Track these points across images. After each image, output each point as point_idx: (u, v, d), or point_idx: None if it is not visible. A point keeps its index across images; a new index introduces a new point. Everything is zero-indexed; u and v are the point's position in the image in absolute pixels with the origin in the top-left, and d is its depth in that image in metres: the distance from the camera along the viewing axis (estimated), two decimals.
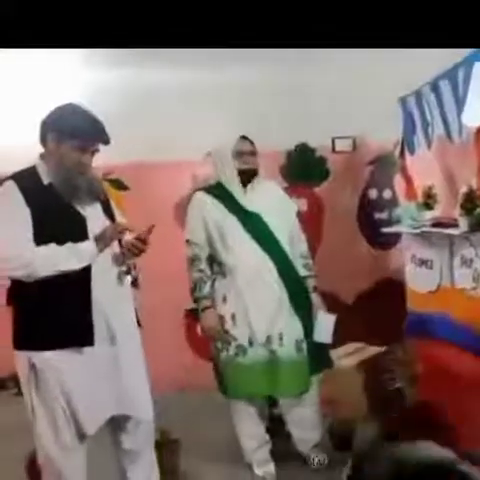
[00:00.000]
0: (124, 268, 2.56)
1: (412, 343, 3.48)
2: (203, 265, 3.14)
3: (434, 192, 3.57)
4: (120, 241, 2.57)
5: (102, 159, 2.58)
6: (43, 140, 2.49)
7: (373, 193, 4.82)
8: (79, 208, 2.48)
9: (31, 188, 2.40)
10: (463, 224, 2.96)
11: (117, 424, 2.61)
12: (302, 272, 3.21)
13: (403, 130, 3.90)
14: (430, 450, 1.98)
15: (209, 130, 3.86)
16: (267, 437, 3.27)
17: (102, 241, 2.44)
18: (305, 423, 3.22)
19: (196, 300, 3.15)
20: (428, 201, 3.58)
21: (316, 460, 3.21)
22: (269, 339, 3.05)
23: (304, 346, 3.10)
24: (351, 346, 4.02)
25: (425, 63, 3.25)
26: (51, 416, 2.43)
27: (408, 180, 4.04)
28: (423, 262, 3.50)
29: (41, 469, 2.54)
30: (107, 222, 2.56)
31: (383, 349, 3.89)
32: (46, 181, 2.45)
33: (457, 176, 3.50)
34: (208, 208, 3.13)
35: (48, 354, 2.39)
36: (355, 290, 4.77)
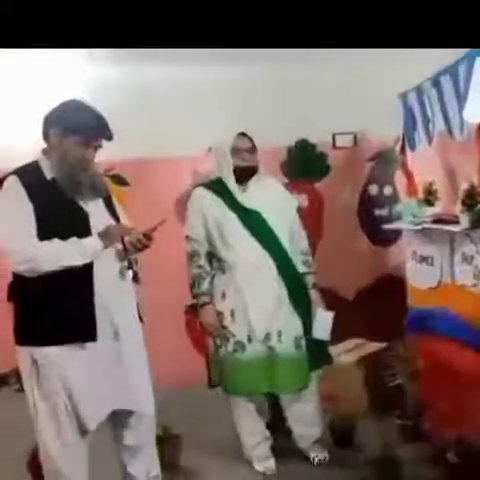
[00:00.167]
0: (126, 263, 2.57)
1: (412, 339, 3.48)
2: (202, 261, 3.14)
3: (435, 188, 3.57)
4: (122, 237, 2.57)
5: (103, 155, 2.58)
6: (46, 135, 2.49)
7: (374, 189, 4.82)
8: (82, 204, 2.48)
9: (34, 183, 2.40)
10: (464, 220, 2.96)
11: (119, 419, 2.62)
12: (302, 269, 3.21)
13: (404, 126, 3.89)
14: None
15: (210, 126, 3.86)
16: (267, 433, 3.27)
17: (107, 239, 2.45)
18: (305, 419, 3.22)
19: (195, 296, 3.15)
20: (429, 197, 3.58)
21: (316, 460, 3.21)
22: (268, 336, 3.05)
23: (303, 343, 3.10)
24: (351, 342, 4.04)
25: (426, 60, 3.25)
26: (53, 412, 2.43)
27: (409, 176, 4.04)
28: (424, 259, 3.50)
29: (42, 465, 2.55)
30: (110, 219, 2.57)
31: (383, 345, 3.91)
32: (49, 176, 2.45)
33: (458, 172, 3.50)
34: (208, 204, 3.13)
35: (50, 349, 2.39)
36: (355, 286, 4.77)
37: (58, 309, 2.39)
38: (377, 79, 4.17)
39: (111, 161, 4.26)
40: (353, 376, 3.73)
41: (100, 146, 2.52)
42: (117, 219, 2.62)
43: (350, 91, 4.42)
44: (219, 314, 3.11)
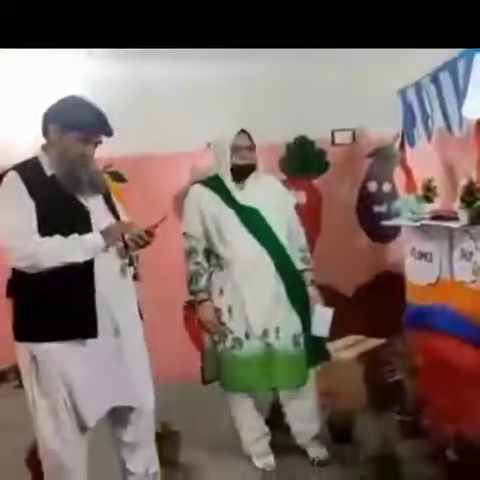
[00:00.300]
0: (127, 260, 2.57)
1: (412, 335, 3.49)
2: (200, 258, 3.14)
3: (434, 185, 3.57)
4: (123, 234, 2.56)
5: (102, 151, 2.57)
6: (45, 132, 2.49)
7: (373, 186, 4.81)
8: (82, 200, 2.48)
9: (34, 179, 2.39)
10: (463, 217, 2.96)
11: (118, 415, 2.61)
12: (300, 266, 3.21)
13: (403, 122, 3.89)
14: None
15: (209, 123, 3.84)
16: (266, 429, 3.28)
17: (110, 238, 2.45)
18: (304, 415, 3.22)
19: (193, 293, 3.16)
20: (428, 194, 3.58)
21: (316, 460, 3.20)
22: (266, 332, 3.05)
23: (301, 340, 3.10)
24: (351, 338, 4.04)
25: (425, 58, 3.25)
26: (52, 408, 2.43)
27: (408, 173, 4.03)
28: (423, 255, 3.50)
29: (41, 461, 2.55)
30: (110, 215, 2.56)
31: (383, 341, 3.92)
32: (49, 172, 2.45)
33: (457, 169, 3.50)
34: (205, 201, 3.14)
35: (50, 346, 2.39)
36: (354, 283, 4.77)
37: (59, 305, 2.38)
38: (376, 77, 4.16)
39: (110, 158, 4.25)
40: (352, 372, 3.73)
41: (100, 142, 2.51)
42: (117, 216, 2.62)
43: (349, 88, 4.40)
44: (217, 311, 3.11)
